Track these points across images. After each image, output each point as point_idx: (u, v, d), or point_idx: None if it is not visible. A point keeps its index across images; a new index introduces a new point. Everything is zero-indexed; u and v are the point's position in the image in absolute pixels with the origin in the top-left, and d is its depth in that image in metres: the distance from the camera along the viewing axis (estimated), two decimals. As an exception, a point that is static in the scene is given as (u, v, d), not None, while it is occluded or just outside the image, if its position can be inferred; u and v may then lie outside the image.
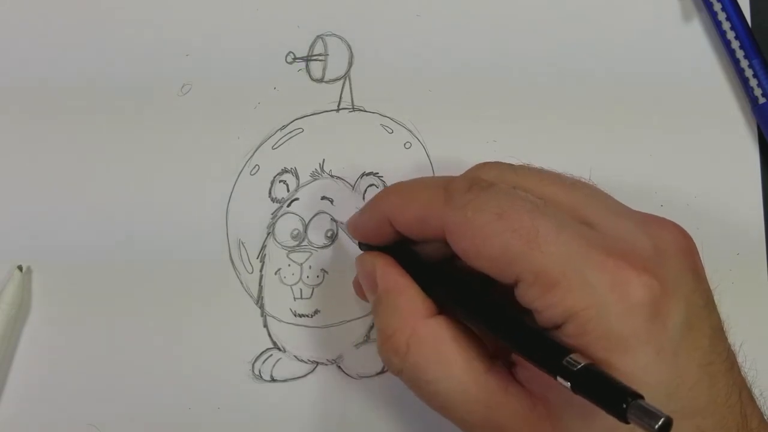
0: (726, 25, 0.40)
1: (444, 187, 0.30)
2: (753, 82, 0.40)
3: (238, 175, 0.40)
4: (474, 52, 0.41)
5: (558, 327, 0.26)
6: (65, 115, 0.41)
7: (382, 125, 0.41)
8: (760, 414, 0.28)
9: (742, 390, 0.27)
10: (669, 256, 0.27)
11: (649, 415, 0.22)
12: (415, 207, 0.30)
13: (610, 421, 0.23)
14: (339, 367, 0.38)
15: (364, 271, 0.33)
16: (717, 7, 0.41)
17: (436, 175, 0.40)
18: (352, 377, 0.38)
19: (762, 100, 0.39)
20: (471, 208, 0.28)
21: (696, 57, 0.41)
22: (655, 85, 0.41)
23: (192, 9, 0.42)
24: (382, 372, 0.38)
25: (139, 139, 0.41)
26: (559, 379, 0.25)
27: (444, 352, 0.29)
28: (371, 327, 0.38)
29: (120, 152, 0.41)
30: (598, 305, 0.25)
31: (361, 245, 0.35)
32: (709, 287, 0.28)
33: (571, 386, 0.24)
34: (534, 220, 0.27)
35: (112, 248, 0.40)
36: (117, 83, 0.41)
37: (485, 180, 0.29)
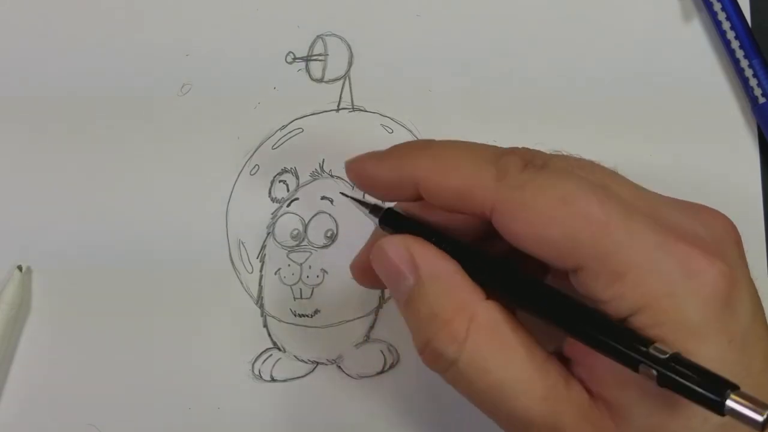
0: (726, 25, 0.40)
1: (494, 161, 0.27)
2: (753, 82, 0.40)
3: (238, 175, 0.40)
4: (474, 52, 0.41)
5: (624, 318, 0.25)
6: (65, 115, 0.41)
7: (382, 125, 0.41)
8: None
9: None
10: (728, 245, 0.26)
11: (749, 406, 0.22)
12: (456, 178, 0.27)
13: (694, 419, 0.23)
14: (339, 367, 0.38)
15: (396, 255, 0.28)
16: (717, 6, 0.41)
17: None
18: (352, 377, 0.38)
19: (762, 100, 0.39)
20: (531, 189, 0.25)
21: (696, 57, 0.41)
22: (654, 84, 0.41)
23: (192, 9, 0.42)
24: (382, 372, 0.38)
25: (138, 139, 0.41)
26: (641, 370, 0.23)
27: (506, 337, 0.26)
28: (371, 327, 0.38)
29: (120, 152, 0.41)
30: (674, 294, 0.24)
31: (361, 204, 0.32)
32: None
33: (658, 378, 0.23)
34: (602, 206, 0.25)
35: (111, 248, 0.40)
36: (117, 83, 0.41)
37: (538, 158, 0.27)
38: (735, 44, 0.40)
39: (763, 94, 0.39)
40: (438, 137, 0.40)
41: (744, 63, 0.40)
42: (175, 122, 0.41)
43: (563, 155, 0.29)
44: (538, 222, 0.25)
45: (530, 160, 0.27)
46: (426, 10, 0.42)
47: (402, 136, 0.40)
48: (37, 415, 0.38)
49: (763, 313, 0.27)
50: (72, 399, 0.38)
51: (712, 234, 0.26)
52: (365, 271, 0.31)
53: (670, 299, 0.24)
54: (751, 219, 0.39)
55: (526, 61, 0.41)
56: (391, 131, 0.40)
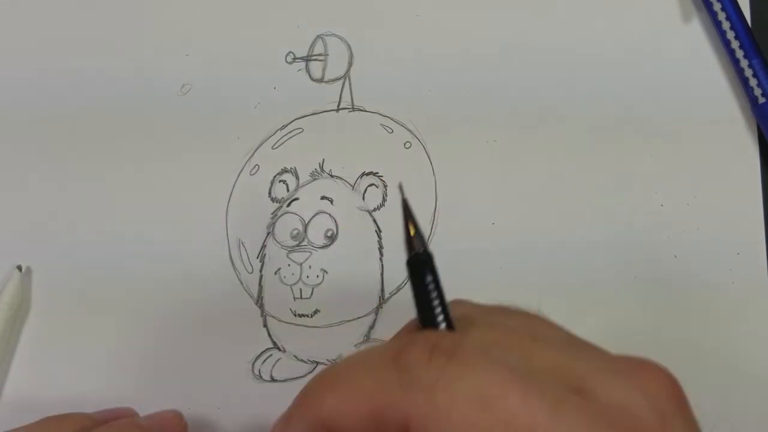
0: (726, 25, 0.40)
1: (396, 363, 0.22)
2: (753, 82, 0.40)
3: (238, 175, 0.40)
4: (474, 52, 0.41)
5: None
6: (64, 115, 0.41)
7: (382, 125, 0.41)
8: None
9: None
10: (669, 416, 0.24)
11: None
12: (362, 401, 0.22)
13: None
14: (339, 367, 0.38)
15: None
16: (717, 6, 0.41)
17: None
18: (352, 377, 0.38)
19: (762, 100, 0.39)
20: (441, 392, 0.21)
21: (696, 57, 0.41)
22: (654, 84, 0.41)
23: (192, 9, 0.42)
24: (382, 372, 0.38)
25: (138, 139, 0.41)
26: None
27: None
28: (371, 327, 0.38)
29: (119, 152, 0.41)
30: None
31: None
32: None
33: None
34: (527, 404, 0.21)
35: (111, 248, 0.40)
36: (117, 83, 0.41)
37: (445, 340, 0.23)
38: (735, 44, 0.40)
39: (763, 94, 0.39)
40: (438, 137, 0.40)
41: (744, 63, 0.40)
42: (175, 122, 0.41)
43: (477, 311, 0.26)
44: None
45: (435, 345, 0.22)
46: (426, 10, 0.42)
47: (402, 136, 0.40)
48: (37, 415, 0.38)
49: None
50: (72, 399, 0.38)
51: (653, 405, 0.23)
52: None
53: None
54: (751, 219, 0.39)
55: (526, 60, 0.41)
56: (391, 131, 0.40)
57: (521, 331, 0.24)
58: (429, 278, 0.25)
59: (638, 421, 0.22)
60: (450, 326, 0.25)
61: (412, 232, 0.26)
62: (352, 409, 0.23)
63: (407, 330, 0.26)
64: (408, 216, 0.26)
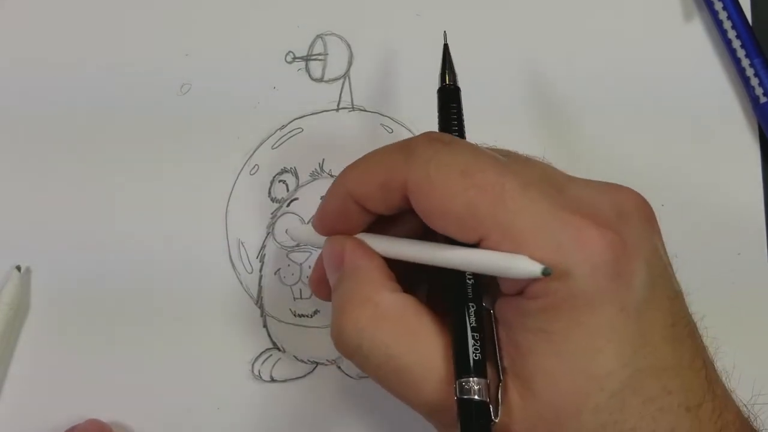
0: (727, 24, 0.40)
1: (403, 147, 0.28)
2: (754, 81, 0.40)
3: (238, 175, 0.40)
4: (474, 52, 0.41)
5: (522, 290, 0.26)
6: (64, 114, 0.41)
7: (382, 125, 0.41)
8: (723, 383, 0.27)
9: (706, 357, 0.27)
10: (631, 218, 0.27)
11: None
12: (375, 173, 0.28)
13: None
14: (339, 367, 0.38)
15: (332, 252, 0.30)
16: (718, 6, 0.41)
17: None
18: (351, 377, 0.38)
19: (763, 100, 0.39)
20: (433, 164, 0.27)
21: (697, 56, 0.41)
22: (655, 84, 0.41)
23: (192, 9, 0.42)
24: (382, 372, 0.38)
25: (138, 139, 0.41)
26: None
27: (408, 326, 0.28)
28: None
29: (119, 152, 0.41)
30: (565, 263, 0.25)
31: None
32: (667, 253, 0.28)
33: None
34: (500, 177, 0.26)
35: (111, 248, 0.40)
36: (117, 83, 0.41)
37: (445, 136, 0.29)
38: (736, 44, 0.40)
39: (764, 94, 0.39)
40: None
41: (745, 62, 0.40)
42: (175, 122, 0.41)
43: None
44: (441, 195, 0.26)
45: (437, 138, 0.28)
46: (426, 10, 0.42)
47: (402, 136, 0.40)
48: (37, 415, 0.38)
49: (670, 286, 0.27)
50: (71, 399, 0.38)
51: (615, 208, 0.27)
52: (319, 283, 0.32)
53: (562, 269, 0.25)
54: (752, 219, 0.39)
55: (526, 60, 0.41)
56: (391, 131, 0.40)
57: (521, 154, 0.29)
58: (453, 105, 0.31)
59: (596, 210, 0.26)
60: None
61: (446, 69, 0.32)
62: (368, 179, 0.29)
63: None
64: (446, 55, 0.33)
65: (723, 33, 0.41)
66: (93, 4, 0.43)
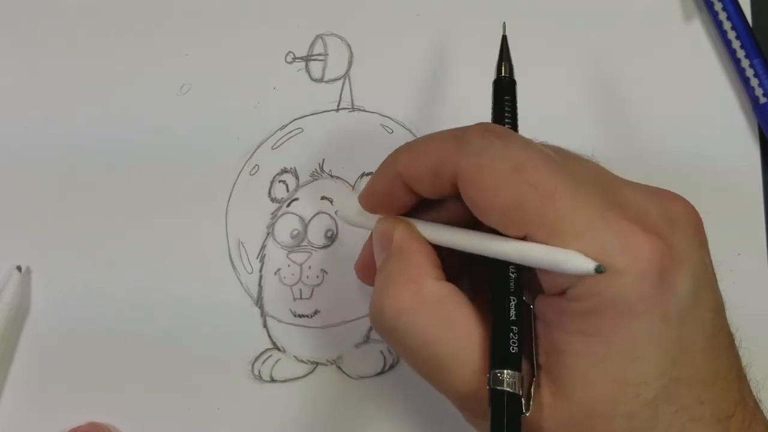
0: (727, 25, 0.40)
1: (457, 135, 0.28)
2: (754, 82, 0.40)
3: (238, 175, 0.40)
4: (473, 52, 0.41)
5: (565, 291, 0.26)
6: (64, 115, 0.41)
7: (382, 125, 0.41)
8: (754, 396, 0.28)
9: (740, 369, 0.27)
10: (679, 226, 0.27)
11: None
12: (426, 157, 0.28)
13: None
14: (339, 367, 0.38)
15: (382, 233, 0.31)
16: (718, 6, 0.41)
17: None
18: (351, 378, 0.38)
19: (763, 100, 0.39)
20: (486, 156, 0.26)
21: (697, 57, 0.41)
22: (655, 84, 0.41)
23: (192, 9, 0.42)
24: (382, 372, 0.38)
25: (138, 139, 0.41)
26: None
27: (448, 314, 0.28)
28: (371, 327, 0.38)
29: (119, 151, 0.41)
30: (610, 267, 0.25)
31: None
32: (712, 264, 0.28)
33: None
34: (552, 176, 0.26)
35: (111, 248, 0.40)
36: (116, 83, 0.41)
37: (500, 128, 0.28)
38: (736, 44, 0.40)
39: (764, 94, 0.39)
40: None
41: (745, 63, 0.40)
42: (175, 122, 0.41)
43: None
44: (491, 188, 0.26)
45: (492, 130, 0.28)
46: (426, 10, 0.42)
47: (402, 136, 0.40)
48: (37, 416, 0.38)
49: (713, 297, 0.27)
50: (71, 399, 0.38)
51: (664, 214, 0.26)
52: (366, 268, 0.33)
53: (606, 273, 0.25)
54: (751, 219, 0.39)
55: (526, 61, 0.41)
56: (391, 131, 0.40)
57: (575, 153, 0.29)
58: (507, 97, 0.32)
59: (645, 215, 0.26)
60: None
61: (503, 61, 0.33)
62: (419, 163, 0.29)
63: None
64: (504, 48, 0.33)
65: (723, 33, 0.41)
66: (93, 3, 0.43)
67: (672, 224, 0.26)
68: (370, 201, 0.32)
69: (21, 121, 0.41)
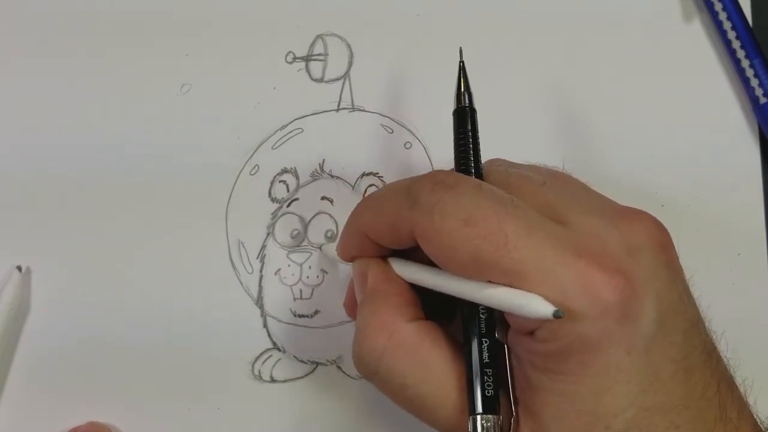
0: (727, 25, 0.40)
1: (409, 191, 0.29)
2: (754, 82, 0.40)
3: (238, 175, 0.40)
4: (474, 52, 0.41)
5: (531, 333, 0.26)
6: (64, 115, 0.41)
7: (382, 125, 0.41)
8: (741, 403, 0.27)
9: (721, 381, 0.27)
10: (642, 252, 0.27)
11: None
12: (384, 217, 0.30)
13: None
14: (339, 367, 0.38)
15: (359, 273, 0.32)
16: (718, 6, 0.41)
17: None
18: (352, 378, 0.38)
19: (763, 100, 0.39)
20: (437, 212, 0.27)
21: (697, 57, 0.41)
22: (655, 84, 0.41)
23: (192, 9, 0.42)
24: (382, 372, 0.38)
25: (138, 139, 0.41)
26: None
27: (423, 356, 0.29)
28: (371, 327, 0.38)
29: (119, 152, 0.41)
30: (571, 310, 0.25)
31: None
32: (685, 280, 0.28)
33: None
34: (502, 224, 0.26)
35: (111, 248, 0.39)
36: (116, 83, 0.41)
37: (449, 177, 0.28)
38: (736, 44, 0.40)
39: (764, 94, 0.39)
40: (438, 137, 0.40)
41: (745, 63, 0.40)
42: (175, 122, 0.41)
43: (498, 161, 0.32)
44: (447, 245, 0.27)
45: (441, 181, 0.28)
46: (426, 10, 0.42)
47: (402, 136, 0.40)
48: (37, 416, 0.38)
49: (684, 317, 0.27)
50: (71, 399, 0.38)
51: (624, 242, 0.26)
52: (353, 306, 0.33)
53: (567, 316, 0.25)
54: (751, 219, 0.39)
55: (526, 61, 0.41)
56: (391, 131, 0.40)
57: (534, 179, 0.29)
58: (468, 127, 0.32)
59: (603, 248, 0.26)
60: (478, 169, 0.31)
61: (462, 89, 0.33)
62: (378, 221, 0.30)
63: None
64: (462, 76, 0.33)
65: (723, 33, 0.41)
66: (93, 3, 0.43)
67: (632, 252, 0.26)
68: (345, 253, 0.33)
69: (20, 122, 0.41)
